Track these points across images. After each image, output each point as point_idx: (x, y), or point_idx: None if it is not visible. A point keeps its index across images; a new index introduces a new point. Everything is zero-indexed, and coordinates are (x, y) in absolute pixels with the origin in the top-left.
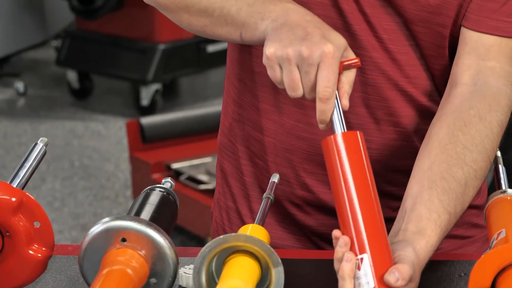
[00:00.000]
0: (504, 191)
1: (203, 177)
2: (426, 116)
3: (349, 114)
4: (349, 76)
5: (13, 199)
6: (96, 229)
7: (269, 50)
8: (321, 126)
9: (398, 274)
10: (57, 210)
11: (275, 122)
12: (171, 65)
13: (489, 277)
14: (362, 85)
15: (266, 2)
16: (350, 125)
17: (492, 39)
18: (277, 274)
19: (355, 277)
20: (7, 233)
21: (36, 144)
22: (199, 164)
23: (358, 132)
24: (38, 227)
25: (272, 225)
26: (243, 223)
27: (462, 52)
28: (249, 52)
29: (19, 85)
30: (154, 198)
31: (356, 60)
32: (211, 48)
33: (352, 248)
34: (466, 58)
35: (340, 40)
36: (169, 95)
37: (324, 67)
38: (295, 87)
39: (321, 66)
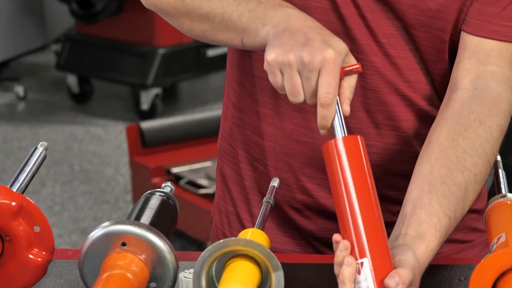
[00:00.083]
0: (504, 196)
1: (203, 182)
2: (426, 120)
3: (349, 119)
4: (350, 81)
5: (13, 203)
6: (96, 233)
7: (270, 55)
8: (322, 131)
9: (398, 278)
10: (57, 214)
11: (275, 126)
12: (171, 70)
13: (489, 281)
14: (362, 90)
15: (267, 8)
16: (350, 130)
17: (492, 43)
18: (277, 279)
19: (355, 282)
20: (7, 237)
21: (36, 148)
22: (199, 169)
23: (358, 136)
24: (38, 231)
25: (272, 229)
26: (243, 227)
27: (462, 57)
28: (249, 56)
29: (19, 89)
30: (154, 202)
31: (357, 66)
32: (211, 53)
33: (352, 253)
34: (466, 62)
35: (341, 45)
36: (169, 100)
37: (325, 73)
38: (296, 92)
39: (322, 71)
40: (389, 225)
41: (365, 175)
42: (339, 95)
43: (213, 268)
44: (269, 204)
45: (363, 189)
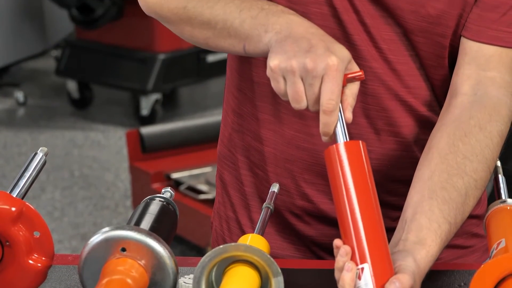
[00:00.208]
0: (504, 201)
1: (203, 187)
2: (426, 126)
3: (349, 125)
4: (353, 88)
5: (13, 208)
6: (96, 238)
7: (273, 62)
8: (324, 138)
9: (399, 284)
10: (57, 220)
11: (275, 132)
12: (171, 75)
13: (489, 287)
14: (362, 95)
15: (269, 14)
16: (350, 135)
17: (492, 49)
18: (277, 284)
19: (356, 287)
20: (7, 243)
21: (36, 153)
22: (199, 174)
23: (360, 141)
24: (38, 236)
25: (272, 235)
26: (243, 233)
27: (462, 62)
28: (249, 62)
29: (19, 95)
30: (154, 208)
31: (360, 73)
32: (211, 58)
33: (353, 258)
34: (466, 68)
35: (344, 52)
36: (169, 105)
37: (328, 80)
38: (299, 99)
39: (325, 78)
40: (389, 231)
41: (367, 181)
42: (341, 102)
43: (213, 273)
44: (269, 210)
45: (364, 195)
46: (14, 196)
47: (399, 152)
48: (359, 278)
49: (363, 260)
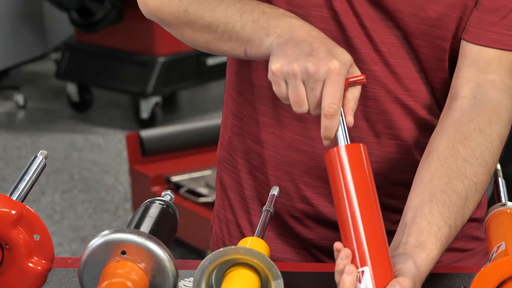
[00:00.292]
0: (504, 204)
1: (202, 190)
2: (426, 129)
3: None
4: (354, 92)
5: (13, 211)
6: (95, 241)
7: (275, 65)
8: (325, 142)
9: (399, 287)
10: (56, 223)
11: (275, 135)
12: (171, 78)
13: None
14: (362, 99)
15: (270, 18)
16: (350, 139)
17: (492, 52)
18: (277, 287)
19: None
20: (7, 246)
21: (35, 157)
22: (199, 177)
23: (361, 144)
24: (37, 239)
25: (272, 238)
26: (243, 236)
27: (462, 65)
28: (249, 65)
29: (19, 98)
30: (154, 211)
31: (362, 77)
32: (211, 61)
33: (353, 261)
34: (466, 71)
35: (346, 56)
36: (169, 108)
37: (330, 84)
38: (301, 103)
39: (327, 82)
40: (389, 234)
41: (367, 183)
42: (343, 106)
43: (213, 276)
44: (269, 213)
45: (365, 197)
46: (14, 199)
47: (399, 155)
48: (360, 281)
49: (363, 263)
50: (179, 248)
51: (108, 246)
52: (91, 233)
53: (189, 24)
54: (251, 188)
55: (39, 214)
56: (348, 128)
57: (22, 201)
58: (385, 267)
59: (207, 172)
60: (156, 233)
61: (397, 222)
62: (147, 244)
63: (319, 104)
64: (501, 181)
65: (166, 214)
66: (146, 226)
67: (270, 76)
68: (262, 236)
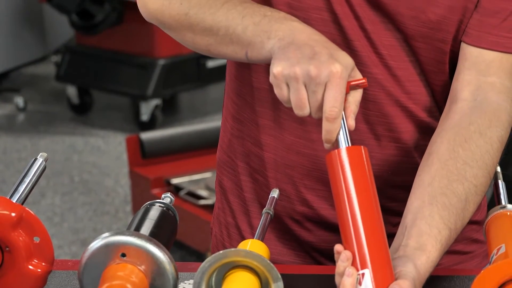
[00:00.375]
0: (504, 207)
1: (202, 192)
2: (426, 132)
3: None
4: (356, 96)
5: (13, 214)
6: (95, 244)
7: (277, 68)
8: (326, 145)
9: None
10: (56, 225)
11: (275, 137)
12: (171, 81)
13: None
14: (362, 101)
15: (272, 21)
16: (351, 142)
17: (493, 54)
18: None
19: None
20: (7, 248)
21: (35, 159)
22: (199, 180)
23: (362, 147)
24: (37, 242)
25: (272, 240)
26: (243, 239)
27: (462, 68)
28: (248, 67)
29: (19, 101)
30: (154, 213)
31: (363, 81)
32: (211, 64)
33: (353, 263)
34: (466, 73)
35: (347, 60)
36: (169, 111)
37: (331, 87)
38: (302, 106)
39: (329, 86)
40: (389, 237)
41: (368, 186)
42: (344, 109)
43: (213, 279)
44: (269, 215)
45: (365, 200)
46: (14, 201)
47: (399, 158)
48: (360, 283)
49: (364, 266)
50: (179, 250)
51: (108, 249)
52: (91, 235)
53: (190, 27)
54: (251, 191)
55: (39, 217)
56: (349, 131)
57: (22, 204)
58: (386, 269)
59: (207, 175)
60: (156, 235)
61: (397, 224)
62: (147, 247)
63: (320, 107)
64: (501, 183)
65: (166, 217)
66: (146, 229)
67: (271, 79)
68: (262, 238)
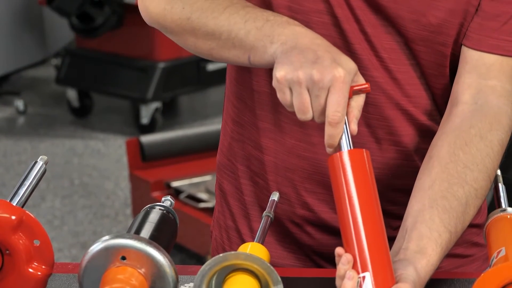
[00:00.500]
0: (504, 210)
1: (203, 196)
2: (426, 135)
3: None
4: (359, 101)
5: (13, 217)
6: (96, 247)
7: (280, 73)
8: (328, 150)
9: None
10: (57, 228)
11: (276, 141)
12: (171, 84)
13: None
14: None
15: (274, 25)
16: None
17: (493, 58)
18: None
19: None
20: (7, 251)
21: (36, 162)
22: (199, 183)
23: (364, 150)
24: (38, 245)
25: (272, 244)
26: (243, 242)
27: (462, 71)
28: (249, 71)
29: (19, 104)
30: (154, 216)
31: (366, 86)
32: (211, 67)
33: (354, 266)
34: (466, 77)
35: (350, 64)
36: (169, 114)
37: (334, 92)
38: (305, 110)
39: (332, 90)
40: (390, 240)
41: (370, 189)
42: (347, 114)
43: (213, 282)
44: (269, 218)
45: (367, 203)
46: (14, 204)
47: (400, 161)
48: (360, 286)
49: (364, 269)
50: (179, 253)
51: (108, 252)
52: (91, 238)
53: (192, 32)
54: (251, 194)
55: (39, 220)
56: (351, 136)
57: (22, 207)
58: (386, 273)
59: (207, 178)
60: (156, 238)
61: (397, 228)
62: (147, 250)
63: (323, 111)
64: (501, 186)
65: (166, 220)
66: (146, 232)
67: (274, 83)
68: (262, 241)
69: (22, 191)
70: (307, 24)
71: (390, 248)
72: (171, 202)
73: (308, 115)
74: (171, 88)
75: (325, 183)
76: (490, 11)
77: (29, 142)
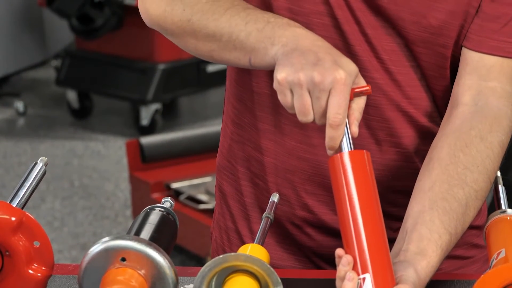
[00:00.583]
0: (504, 211)
1: (202, 197)
2: (427, 136)
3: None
4: (360, 103)
5: (13, 218)
6: (95, 248)
7: (281, 74)
8: (329, 152)
9: None
10: (56, 230)
11: (276, 142)
12: (171, 85)
13: None
14: None
15: (275, 27)
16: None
17: (493, 59)
18: None
19: None
20: (7, 253)
21: (35, 163)
22: (199, 184)
23: (365, 151)
24: (37, 246)
25: (272, 245)
26: (243, 243)
27: (463, 73)
28: (249, 72)
29: (19, 105)
30: (154, 217)
31: (367, 88)
32: (211, 68)
33: (354, 268)
34: (467, 78)
35: (351, 66)
36: (169, 115)
37: (335, 94)
38: (306, 112)
39: (333, 92)
40: (390, 242)
41: (370, 190)
42: (348, 116)
43: (213, 283)
44: (269, 219)
45: (367, 204)
46: (14, 206)
47: (400, 163)
48: None
49: (364, 270)
50: (179, 254)
51: (108, 253)
52: (91, 240)
53: (192, 34)
54: (251, 196)
55: (39, 221)
56: (352, 138)
57: (22, 208)
58: (386, 274)
59: (207, 179)
60: (156, 240)
61: (397, 229)
62: (147, 251)
63: (324, 113)
64: (501, 188)
65: (166, 221)
66: (146, 233)
67: (275, 85)
68: (262, 243)
69: (22, 192)
70: (308, 26)
71: (390, 249)
72: (171, 203)
73: (309, 117)
74: (171, 90)
75: (325, 185)
76: (491, 13)
77: (29, 143)
